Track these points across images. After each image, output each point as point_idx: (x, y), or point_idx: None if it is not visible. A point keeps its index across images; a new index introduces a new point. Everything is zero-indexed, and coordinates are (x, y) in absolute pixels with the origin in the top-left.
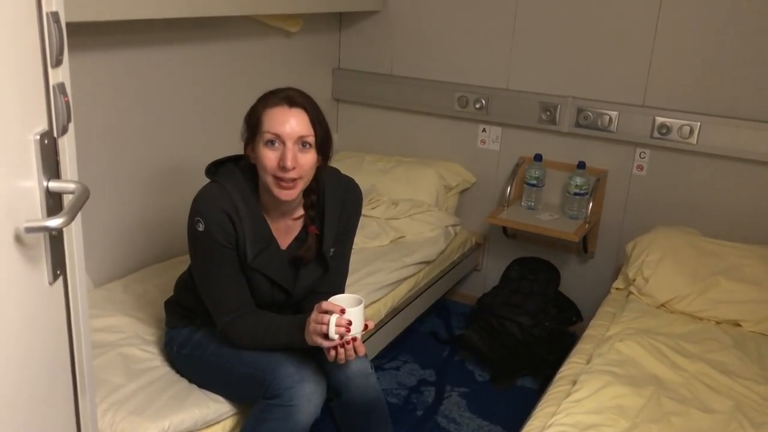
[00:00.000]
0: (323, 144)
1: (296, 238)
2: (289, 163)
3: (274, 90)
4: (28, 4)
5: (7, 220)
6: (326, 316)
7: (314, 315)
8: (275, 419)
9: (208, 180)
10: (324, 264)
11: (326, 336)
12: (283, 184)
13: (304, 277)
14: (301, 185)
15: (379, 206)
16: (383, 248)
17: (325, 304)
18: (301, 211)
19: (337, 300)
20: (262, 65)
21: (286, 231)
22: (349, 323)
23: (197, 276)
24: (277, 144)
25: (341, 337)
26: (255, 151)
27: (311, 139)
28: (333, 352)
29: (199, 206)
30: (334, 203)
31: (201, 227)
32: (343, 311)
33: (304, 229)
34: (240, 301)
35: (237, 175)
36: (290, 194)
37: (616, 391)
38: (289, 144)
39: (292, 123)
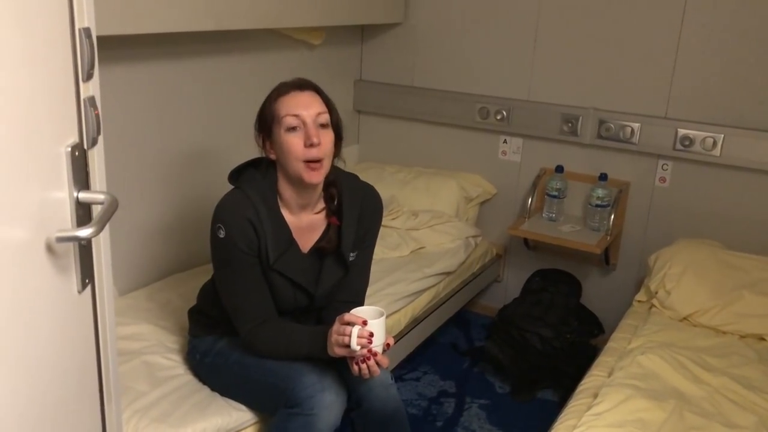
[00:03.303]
0: (337, 124)
1: (319, 240)
2: (315, 139)
3: (277, 85)
4: (62, 20)
5: (39, 230)
6: (348, 328)
7: (336, 326)
8: (296, 428)
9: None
10: (344, 264)
11: (348, 347)
12: (312, 165)
13: (325, 278)
14: (326, 166)
15: (400, 217)
16: (403, 259)
17: (347, 316)
18: (322, 204)
19: (358, 312)
20: (285, 77)
21: (309, 229)
22: (371, 335)
23: (219, 283)
24: (298, 127)
25: (363, 348)
26: (276, 144)
27: (327, 118)
28: (356, 367)
29: (221, 213)
30: (352, 203)
31: (222, 234)
32: (365, 323)
33: (327, 229)
34: (262, 309)
35: (257, 180)
36: (318, 175)
37: (637, 405)
38: (310, 122)
39: (307, 103)
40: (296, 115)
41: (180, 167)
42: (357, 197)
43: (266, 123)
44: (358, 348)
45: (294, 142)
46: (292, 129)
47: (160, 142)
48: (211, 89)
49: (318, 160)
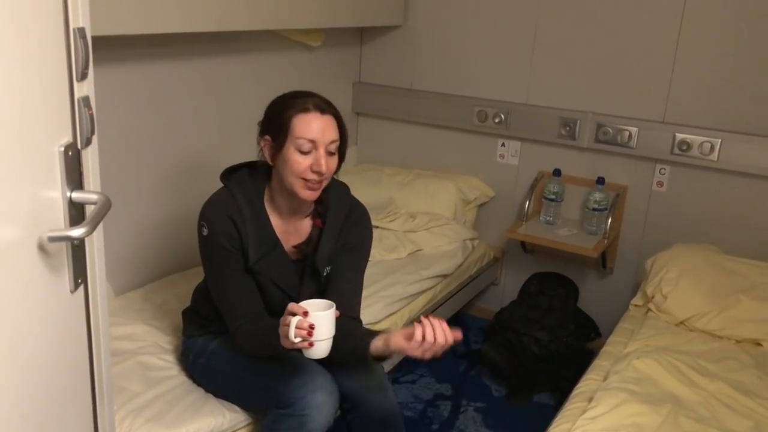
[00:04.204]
0: (344, 149)
1: (305, 242)
2: (323, 168)
3: (297, 93)
4: (56, 20)
5: (31, 229)
6: (289, 318)
7: (282, 317)
8: (287, 428)
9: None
10: (317, 276)
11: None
12: (310, 185)
13: (304, 288)
14: (323, 185)
15: (397, 219)
16: (401, 261)
17: (291, 306)
18: (312, 208)
19: (306, 303)
20: (284, 79)
21: (296, 233)
22: (311, 326)
23: (209, 282)
24: (309, 150)
25: (303, 340)
26: (280, 155)
27: (337, 146)
28: (419, 332)
29: (205, 211)
30: (337, 214)
31: (205, 231)
32: (305, 314)
33: (312, 230)
34: (249, 307)
35: (247, 181)
36: (315, 194)
37: (632, 409)
38: (321, 150)
39: (325, 129)
40: (312, 140)
41: (178, 168)
42: (342, 209)
43: (275, 130)
44: (297, 340)
45: (300, 162)
46: (303, 150)
47: (159, 142)
48: (209, 90)
49: (318, 182)
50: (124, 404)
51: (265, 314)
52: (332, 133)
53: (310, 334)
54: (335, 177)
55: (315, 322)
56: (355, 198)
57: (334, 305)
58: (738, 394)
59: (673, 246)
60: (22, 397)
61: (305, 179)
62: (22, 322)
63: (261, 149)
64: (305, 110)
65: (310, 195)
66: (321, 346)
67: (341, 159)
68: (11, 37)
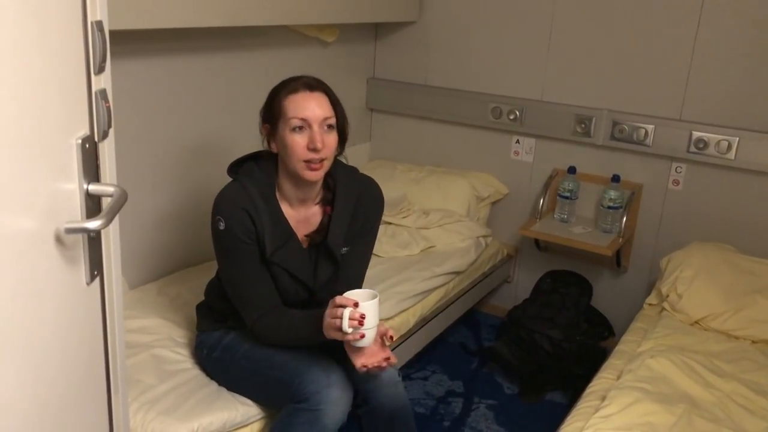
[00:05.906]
0: (343, 125)
1: (316, 230)
2: (319, 144)
3: (287, 79)
4: (74, 13)
5: (48, 221)
6: (340, 310)
7: (329, 309)
8: (302, 423)
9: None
10: (333, 259)
11: (341, 330)
12: (312, 165)
13: (320, 273)
14: (326, 165)
15: (410, 215)
16: (413, 257)
17: (339, 299)
18: (321, 196)
19: (352, 294)
20: (298, 74)
21: (307, 221)
22: (362, 317)
23: (223, 276)
24: (303, 128)
25: (354, 330)
26: (279, 139)
27: (333, 121)
28: (363, 369)
29: (219, 205)
30: (346, 197)
31: (222, 226)
32: (356, 305)
33: (323, 218)
34: (265, 299)
35: (256, 173)
36: (318, 174)
37: (646, 408)
38: (315, 126)
39: (315, 106)
40: (303, 118)
41: (193, 162)
42: (352, 191)
43: (272, 116)
44: (350, 330)
45: (297, 142)
46: (298, 129)
47: (173, 136)
48: (224, 85)
49: (319, 161)
50: (138, 396)
51: (281, 305)
52: (324, 110)
53: (361, 324)
54: (343, 161)
55: (365, 312)
56: (366, 177)
57: (378, 294)
58: (753, 395)
59: (689, 245)
60: (39, 388)
61: (306, 161)
62: (38, 312)
63: (264, 138)
64: (294, 91)
65: (312, 175)
66: (370, 334)
67: (343, 138)
68: (30, 30)
